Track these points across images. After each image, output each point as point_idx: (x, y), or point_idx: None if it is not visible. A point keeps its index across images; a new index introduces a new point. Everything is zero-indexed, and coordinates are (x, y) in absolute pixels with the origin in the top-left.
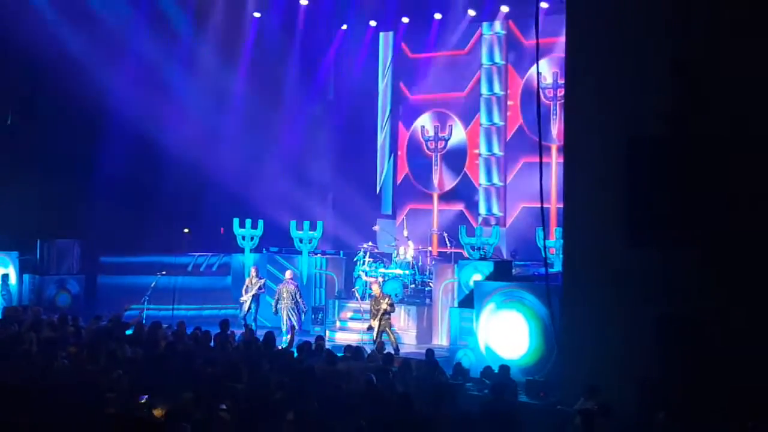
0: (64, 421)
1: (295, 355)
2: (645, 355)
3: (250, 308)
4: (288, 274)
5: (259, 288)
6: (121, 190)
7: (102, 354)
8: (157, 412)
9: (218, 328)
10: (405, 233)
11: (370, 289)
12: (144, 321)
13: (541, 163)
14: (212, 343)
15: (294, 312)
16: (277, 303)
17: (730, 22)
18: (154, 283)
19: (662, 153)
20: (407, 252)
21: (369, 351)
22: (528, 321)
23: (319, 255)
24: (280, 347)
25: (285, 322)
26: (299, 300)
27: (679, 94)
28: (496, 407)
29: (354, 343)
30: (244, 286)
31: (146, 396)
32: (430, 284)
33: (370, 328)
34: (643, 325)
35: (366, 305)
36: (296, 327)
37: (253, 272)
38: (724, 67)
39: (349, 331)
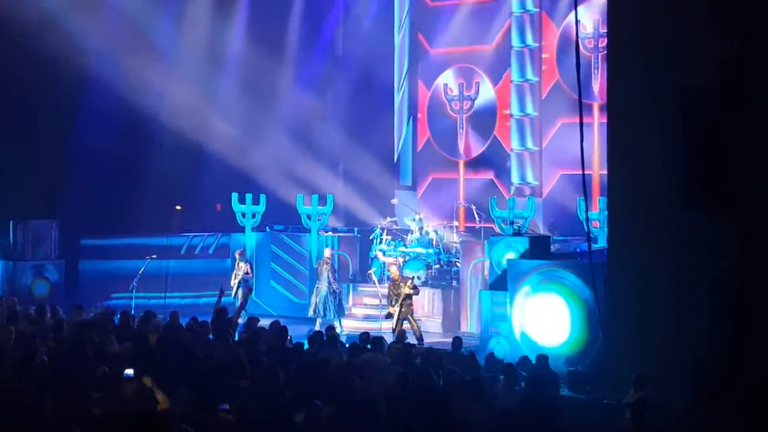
0: (46, 425)
1: (306, 347)
2: (701, 340)
3: (236, 295)
4: (327, 252)
5: (246, 272)
6: (105, 164)
7: (86, 349)
8: (147, 381)
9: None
10: (417, 216)
11: (389, 271)
12: (133, 311)
13: (581, 123)
14: (211, 336)
15: (332, 295)
16: (317, 283)
17: None
18: (143, 269)
19: (718, 106)
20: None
21: (388, 341)
22: (569, 304)
23: (329, 233)
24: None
25: (322, 305)
26: (332, 281)
27: (735, 39)
28: (535, 402)
29: (371, 332)
30: (233, 272)
31: (131, 371)
32: (457, 264)
33: (389, 315)
34: (698, 306)
35: (384, 289)
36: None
37: (237, 255)
38: None
39: (365, 320)
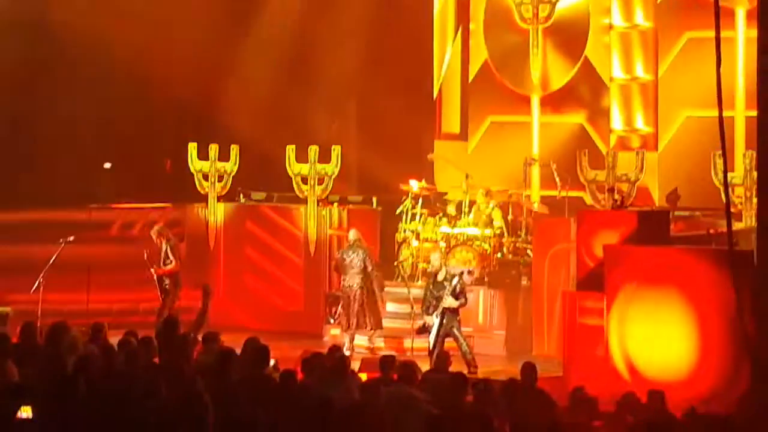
0: None
1: (299, 378)
2: None
3: (164, 293)
4: (353, 233)
5: (165, 258)
6: None
7: None
8: None
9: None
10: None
11: (427, 262)
12: (38, 321)
13: (718, 38)
14: (157, 359)
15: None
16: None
17: None
18: (53, 258)
19: None
20: (486, 200)
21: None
22: (696, 313)
23: (335, 204)
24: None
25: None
26: (371, 273)
27: None
28: None
29: (395, 355)
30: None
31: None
32: (529, 252)
33: (424, 328)
34: None
35: (418, 288)
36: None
37: (153, 236)
38: None
39: (388, 335)
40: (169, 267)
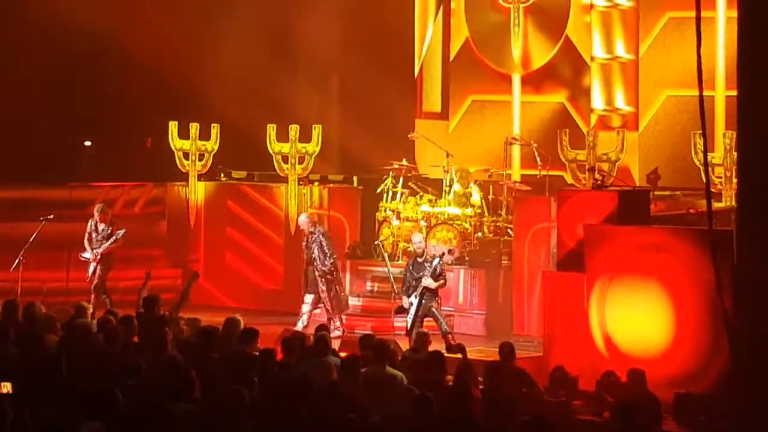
0: None
1: (278, 357)
2: None
3: (96, 273)
4: (304, 217)
5: (111, 238)
6: None
7: None
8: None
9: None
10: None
11: (407, 241)
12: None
13: (698, 18)
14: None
15: (324, 283)
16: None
17: None
18: (34, 236)
19: None
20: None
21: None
22: (676, 294)
23: (316, 184)
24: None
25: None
26: (323, 255)
27: None
28: None
29: (375, 335)
30: (86, 234)
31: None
32: (509, 231)
33: (402, 309)
34: None
35: (398, 268)
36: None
37: (96, 212)
38: None
39: (369, 315)
40: (115, 241)
